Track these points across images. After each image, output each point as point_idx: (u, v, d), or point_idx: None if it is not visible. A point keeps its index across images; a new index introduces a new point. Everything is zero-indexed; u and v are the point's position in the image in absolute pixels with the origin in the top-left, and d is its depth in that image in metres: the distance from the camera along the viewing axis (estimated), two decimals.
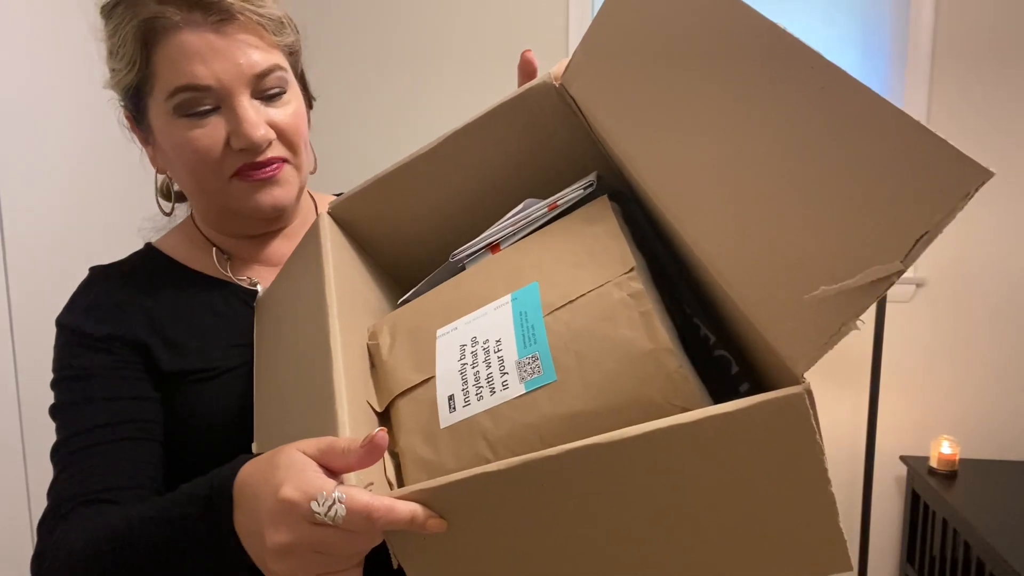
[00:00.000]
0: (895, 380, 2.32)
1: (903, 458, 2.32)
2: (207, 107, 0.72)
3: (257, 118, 0.73)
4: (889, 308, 2.24)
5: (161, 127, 0.74)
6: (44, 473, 1.50)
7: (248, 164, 0.74)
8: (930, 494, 2.14)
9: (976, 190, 0.35)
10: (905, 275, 2.24)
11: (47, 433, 0.74)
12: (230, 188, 0.75)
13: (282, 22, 0.76)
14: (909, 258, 0.38)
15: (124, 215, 1.69)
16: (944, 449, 2.18)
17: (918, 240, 0.37)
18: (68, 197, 1.66)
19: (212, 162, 0.73)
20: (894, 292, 2.28)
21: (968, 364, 2.31)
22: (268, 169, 0.75)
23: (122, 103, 0.78)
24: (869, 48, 2.30)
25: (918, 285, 2.29)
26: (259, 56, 0.73)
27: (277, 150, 0.76)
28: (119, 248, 0.88)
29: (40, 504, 1.54)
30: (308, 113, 0.84)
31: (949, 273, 2.27)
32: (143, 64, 0.72)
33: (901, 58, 2.25)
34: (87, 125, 1.69)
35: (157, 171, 0.82)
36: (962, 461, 2.22)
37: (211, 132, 0.72)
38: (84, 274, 0.82)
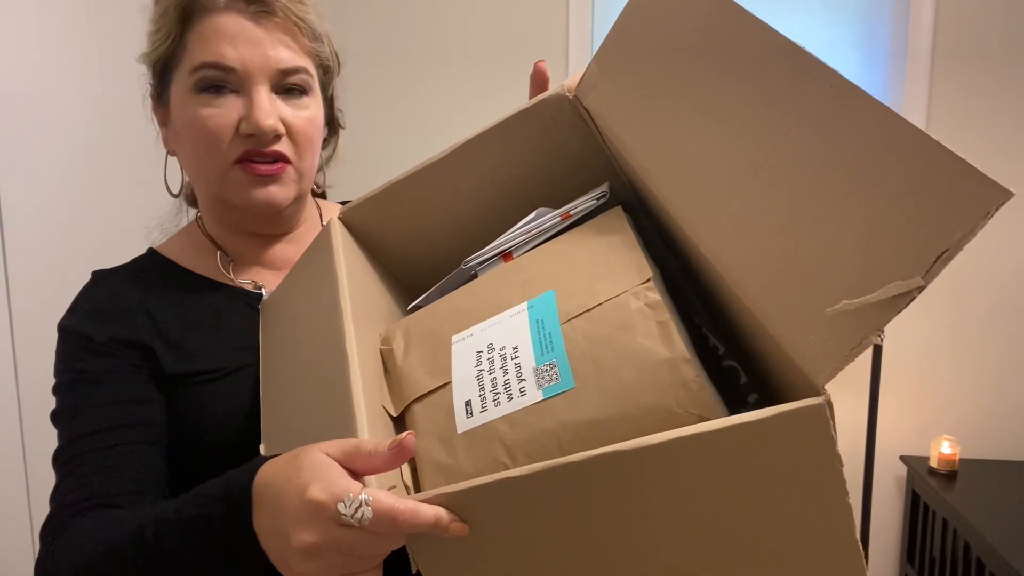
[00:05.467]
0: (895, 380, 2.32)
1: (903, 458, 2.32)
2: (226, 88, 0.74)
3: (270, 108, 0.74)
4: None
5: (178, 102, 0.76)
6: (45, 475, 1.48)
7: (251, 152, 0.75)
8: (930, 494, 2.15)
9: (996, 209, 0.36)
10: None
11: (47, 437, 0.72)
12: (230, 175, 0.76)
13: (319, 34, 0.79)
14: (930, 274, 0.39)
15: (126, 216, 1.67)
16: (944, 449, 2.18)
17: (939, 257, 0.38)
18: (69, 197, 1.64)
19: (219, 142, 0.74)
20: None
21: (968, 364, 2.31)
22: (271, 166, 0.76)
23: (150, 81, 0.80)
24: (869, 48, 2.30)
25: None
26: (287, 54, 0.75)
27: (284, 146, 0.76)
28: (120, 249, 0.88)
29: (40, 509, 1.52)
30: (335, 141, 0.88)
31: (948, 273, 2.27)
32: (177, 37, 0.75)
33: (901, 58, 2.25)
34: (89, 125, 1.67)
35: (168, 152, 0.84)
36: (962, 461, 2.22)
37: (224, 113, 0.74)
38: (85, 276, 0.81)
